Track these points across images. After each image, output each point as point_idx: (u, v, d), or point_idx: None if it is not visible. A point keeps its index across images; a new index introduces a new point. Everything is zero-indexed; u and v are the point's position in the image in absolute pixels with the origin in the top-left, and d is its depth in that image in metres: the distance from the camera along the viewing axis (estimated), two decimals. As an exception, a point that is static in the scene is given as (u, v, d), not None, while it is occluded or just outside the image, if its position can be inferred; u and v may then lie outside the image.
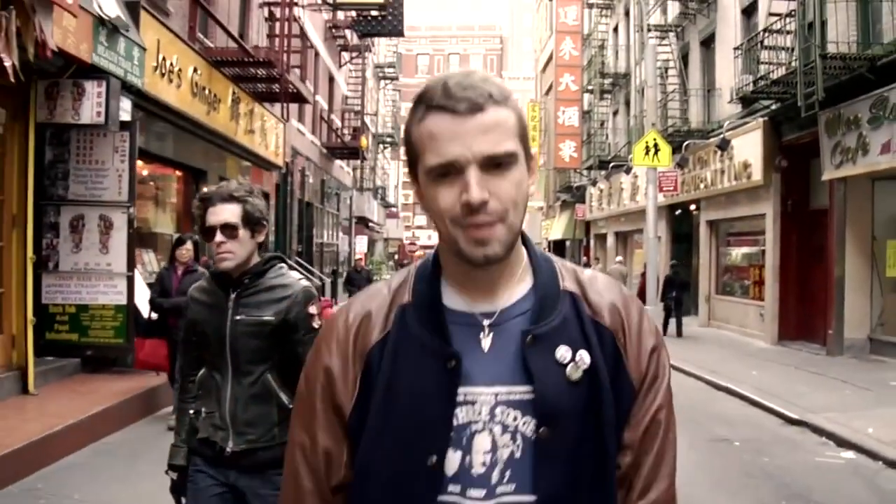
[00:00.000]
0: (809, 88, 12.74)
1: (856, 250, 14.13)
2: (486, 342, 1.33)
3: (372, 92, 36.02)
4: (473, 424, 1.30)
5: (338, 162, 29.96)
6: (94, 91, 7.66)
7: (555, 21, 35.31)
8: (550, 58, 39.14)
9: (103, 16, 7.40)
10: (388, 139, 44.55)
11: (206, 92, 12.26)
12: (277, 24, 15.73)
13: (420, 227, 72.08)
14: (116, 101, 7.87)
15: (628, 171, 24.33)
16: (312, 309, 3.14)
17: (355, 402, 1.34)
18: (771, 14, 14.87)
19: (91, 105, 7.67)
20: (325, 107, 27.34)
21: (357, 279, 20.98)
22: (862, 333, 14.02)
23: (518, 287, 1.38)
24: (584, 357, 1.31)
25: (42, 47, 6.07)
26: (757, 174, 16.73)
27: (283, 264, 3.23)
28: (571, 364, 1.31)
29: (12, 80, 5.76)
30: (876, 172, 12.95)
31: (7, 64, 5.63)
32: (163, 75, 10.33)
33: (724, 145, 17.37)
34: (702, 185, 20.05)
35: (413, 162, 1.37)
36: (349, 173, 34.19)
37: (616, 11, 30.76)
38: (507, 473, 1.29)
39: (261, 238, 3.14)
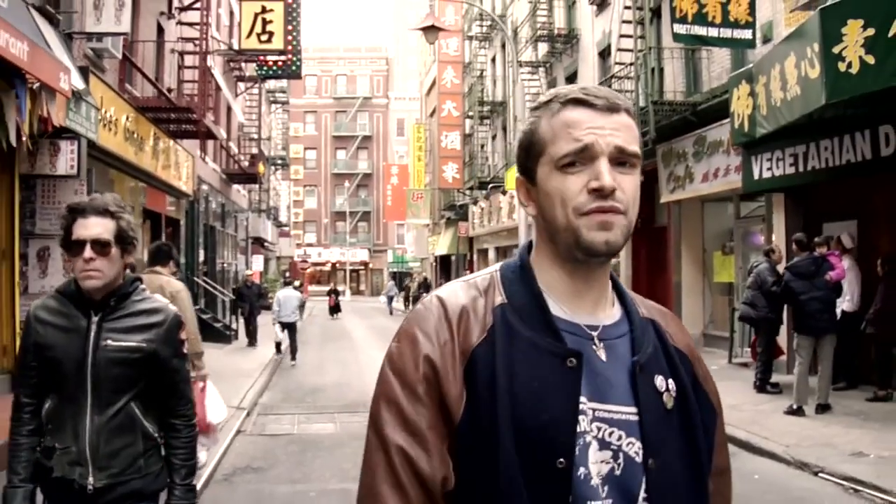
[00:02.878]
0: (645, 129, 15.47)
1: (690, 261, 17.00)
2: (601, 353, 1.31)
3: (264, 116, 37.65)
4: (584, 435, 1.26)
5: (235, 186, 31.58)
6: (68, 149, 9.52)
7: (437, 51, 37.86)
8: (434, 83, 41.63)
9: (76, 90, 9.25)
10: (280, 161, 46.17)
11: (135, 135, 14.02)
12: (188, 71, 17.61)
13: (310, 245, 73.31)
14: (84, 156, 9.73)
15: (504, 192, 26.93)
16: (182, 335, 3.03)
17: (465, 406, 1.27)
18: (616, 63, 17.62)
19: (66, 160, 9.52)
20: (224, 135, 29.02)
21: (247, 294, 21.36)
22: (697, 329, 16.81)
23: (612, 309, 1.38)
24: (673, 386, 1.33)
25: (46, 122, 7.96)
26: (612, 197, 19.47)
27: (144, 286, 3.07)
28: (666, 393, 1.31)
29: (28, 148, 7.65)
30: (702, 196, 15.79)
31: (24, 138, 7.52)
32: (104, 126, 12.12)
33: (583, 172, 20.07)
34: (568, 206, 22.75)
35: (535, 156, 1.37)
36: (245, 195, 35.77)
37: (493, 44, 33.48)
38: (607, 489, 1.26)
39: (130, 259, 2.96)
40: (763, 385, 11.12)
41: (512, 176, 21.41)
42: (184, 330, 3.04)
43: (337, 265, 72.34)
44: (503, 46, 31.34)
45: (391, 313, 40.41)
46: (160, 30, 17.73)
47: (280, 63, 23.87)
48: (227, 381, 11.72)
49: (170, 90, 17.48)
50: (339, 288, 50.33)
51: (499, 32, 28.00)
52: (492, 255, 34.02)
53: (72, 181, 10.48)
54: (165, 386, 2.96)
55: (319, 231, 75.16)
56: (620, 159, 1.31)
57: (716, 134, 14.29)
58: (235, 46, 23.32)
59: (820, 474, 7.75)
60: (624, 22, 16.32)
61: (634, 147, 1.33)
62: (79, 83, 9.59)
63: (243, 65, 29.13)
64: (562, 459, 1.23)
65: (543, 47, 25.10)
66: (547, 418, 1.24)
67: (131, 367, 2.85)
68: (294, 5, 23.15)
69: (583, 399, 1.27)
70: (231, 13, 26.89)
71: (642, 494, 1.27)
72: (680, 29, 12.52)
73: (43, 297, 3.12)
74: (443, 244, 43.70)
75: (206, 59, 16.14)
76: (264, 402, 12.53)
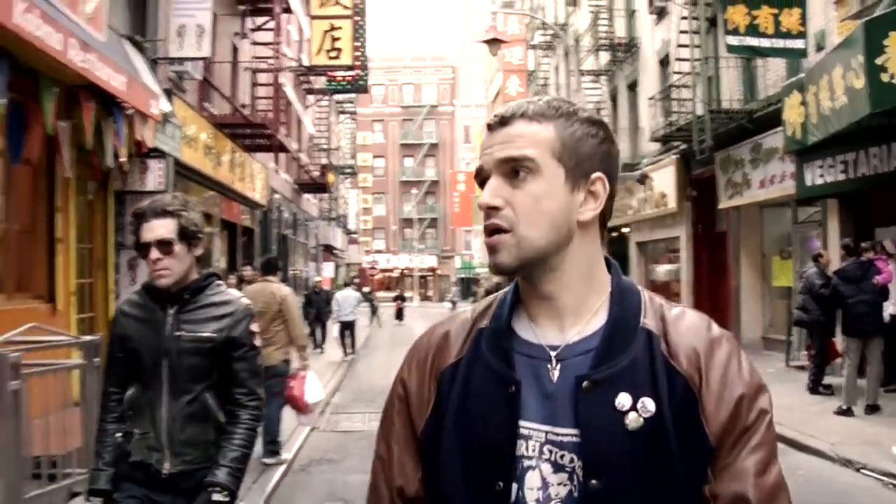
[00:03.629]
0: (702, 136, 15.80)
1: (749, 265, 17.24)
2: (553, 375, 1.29)
3: (332, 126, 38.72)
4: (526, 460, 1.27)
5: (306, 195, 32.60)
6: (156, 167, 10.41)
7: (501, 60, 38.43)
8: (499, 92, 42.23)
9: (164, 112, 10.12)
10: (348, 170, 47.25)
11: (213, 150, 14.93)
12: (261, 88, 18.59)
13: (378, 252, 74.37)
14: (171, 172, 10.61)
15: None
16: (254, 327, 3.14)
17: (427, 420, 1.36)
18: (675, 73, 17.96)
19: (154, 177, 10.41)
20: (295, 147, 30.04)
21: (315, 300, 22.34)
22: (756, 333, 17.05)
23: (593, 321, 1.32)
24: (647, 405, 1.24)
25: (140, 145, 8.82)
26: (672, 203, 19.82)
27: (220, 281, 3.19)
28: (632, 412, 1.23)
29: (125, 169, 8.51)
30: (759, 202, 16.05)
31: (122, 160, 8.38)
32: (186, 143, 13.01)
33: (642, 179, 20.48)
34: (630, 212, 23.10)
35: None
36: (315, 204, 36.81)
37: (556, 52, 33.90)
38: None
39: (198, 252, 3.08)
40: (815, 387, 11.41)
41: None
42: (255, 322, 3.17)
43: (405, 271, 73.29)
44: (566, 55, 31.74)
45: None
46: (234, 49, 18.71)
47: (348, 78, 24.87)
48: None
49: (244, 106, 18.43)
50: (407, 294, 51.16)
51: (561, 42, 28.46)
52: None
53: (155, 195, 11.37)
54: (233, 376, 3.07)
55: (388, 238, 76.26)
56: (513, 169, 1.28)
57: (771, 141, 14.56)
58: (304, 61, 24.45)
59: (862, 470, 8.10)
60: (681, 32, 16.68)
61: (524, 151, 1.28)
62: (165, 106, 10.45)
63: (312, 78, 30.15)
64: (500, 482, 1.26)
65: (605, 56, 25.43)
66: (489, 441, 1.28)
67: (204, 356, 2.99)
68: (361, 22, 24.04)
69: (531, 425, 1.28)
70: (300, 29, 27.89)
71: None
72: (733, 41, 12.89)
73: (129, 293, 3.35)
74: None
75: (278, 77, 17.04)
76: (336, 402, 13.27)
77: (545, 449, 1.27)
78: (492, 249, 1.29)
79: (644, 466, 1.23)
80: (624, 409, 1.24)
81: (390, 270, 73.62)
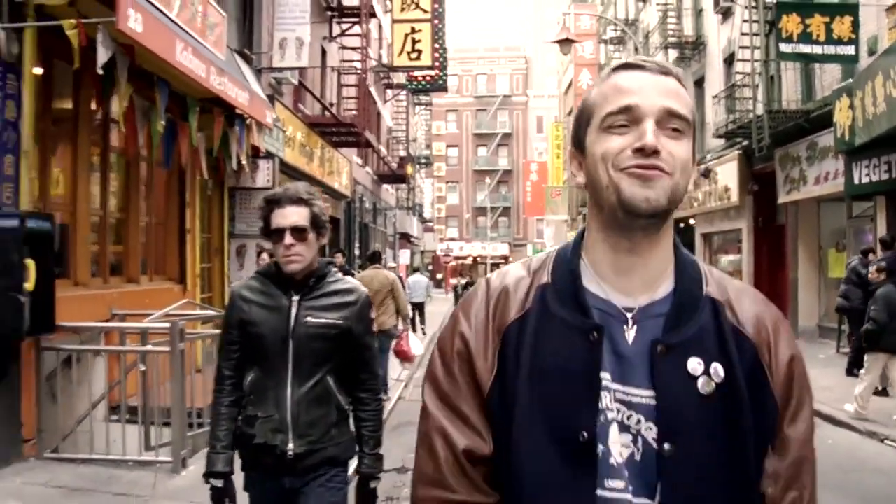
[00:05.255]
0: (761, 135, 16.71)
1: (806, 257, 18.10)
2: (629, 335, 1.29)
3: (409, 118, 40.13)
4: (609, 412, 1.26)
5: (385, 185, 34.16)
6: (265, 166, 11.99)
7: (574, 53, 39.27)
8: (570, 84, 43.09)
9: (272, 120, 11.65)
10: (423, 160, 48.66)
11: (306, 148, 16.48)
12: (347, 89, 20.15)
13: (452, 239, 75.62)
14: (277, 171, 12.17)
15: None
16: (372, 314, 3.21)
17: (494, 378, 1.32)
18: (737, 73, 18.84)
19: (263, 175, 12.00)
20: (375, 139, 31.60)
21: None
22: (812, 322, 17.90)
23: (661, 287, 1.33)
24: (718, 370, 1.25)
25: (256, 149, 10.37)
26: (734, 196, 20.68)
27: (337, 269, 3.25)
28: (704, 377, 1.25)
29: (247, 171, 10.09)
30: (814, 197, 16.91)
31: (244, 162, 9.95)
32: (287, 143, 14.56)
33: (706, 173, 21.37)
34: (695, 204, 23.96)
35: (585, 123, 1.35)
36: (393, 193, 38.34)
37: (627, 47, 34.64)
38: (626, 473, 1.25)
39: (324, 241, 3.15)
40: (851, 369, 12.34)
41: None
42: (373, 309, 3.34)
43: (478, 259, 74.49)
44: (636, 50, 32.54)
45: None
46: (322, 52, 20.26)
47: (429, 77, 26.41)
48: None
49: (332, 104, 19.99)
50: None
51: (631, 38, 29.31)
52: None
53: (263, 191, 12.93)
54: (356, 361, 3.16)
55: (461, 226, 77.58)
56: (670, 123, 1.27)
57: (825, 140, 15.39)
58: (384, 58, 26.03)
59: (885, 441, 9.17)
60: (742, 34, 17.55)
61: (684, 111, 1.29)
62: (273, 113, 11.97)
63: (392, 74, 31.65)
64: (584, 433, 1.24)
65: (673, 53, 26.20)
66: (569, 392, 1.25)
67: (328, 341, 3.05)
68: (440, 25, 25.42)
69: (606, 377, 1.26)
70: (380, 26, 29.33)
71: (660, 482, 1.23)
72: (786, 48, 13.84)
73: (243, 279, 3.56)
74: (579, 239, 44.59)
75: (365, 81, 18.52)
76: (418, 377, 14.70)
77: (615, 406, 1.27)
78: (647, 182, 1.25)
79: (715, 431, 1.24)
80: (696, 373, 1.25)
81: (464, 258, 74.78)
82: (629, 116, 1.27)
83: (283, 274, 3.07)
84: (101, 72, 6.27)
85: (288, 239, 2.98)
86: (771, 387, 1.29)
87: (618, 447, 1.25)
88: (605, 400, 1.26)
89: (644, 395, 1.26)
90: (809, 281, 18.04)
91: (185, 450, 6.66)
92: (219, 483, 3.09)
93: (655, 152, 1.24)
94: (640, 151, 1.24)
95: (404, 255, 39.48)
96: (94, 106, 7.92)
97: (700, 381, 1.24)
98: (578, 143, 1.36)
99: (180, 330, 6.55)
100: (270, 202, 3.06)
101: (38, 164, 6.97)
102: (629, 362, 1.27)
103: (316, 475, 3.07)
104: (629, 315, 1.30)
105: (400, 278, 24.93)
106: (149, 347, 6.89)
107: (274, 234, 3.02)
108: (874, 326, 9.57)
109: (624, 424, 1.26)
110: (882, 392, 10.98)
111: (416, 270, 27.04)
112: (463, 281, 45.19)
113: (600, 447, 1.25)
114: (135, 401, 7.08)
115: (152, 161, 9.28)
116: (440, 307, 35.42)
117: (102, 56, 6.18)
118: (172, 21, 7.42)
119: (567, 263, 1.36)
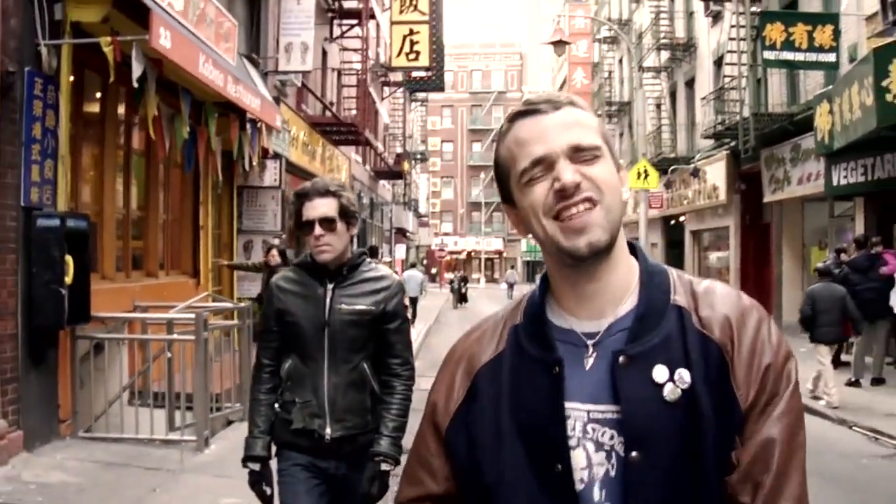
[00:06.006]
0: (746, 136, 17.35)
1: (790, 255, 18.79)
2: (588, 361, 1.31)
3: (406, 114, 40.64)
4: (570, 440, 1.29)
5: (381, 181, 34.73)
6: (272, 166, 12.61)
7: (568, 52, 39.84)
8: (564, 82, 43.70)
9: (280, 123, 12.26)
10: (419, 156, 49.16)
11: (308, 147, 17.07)
12: (347, 88, 20.73)
13: (447, 234, 76.01)
14: (284, 170, 12.79)
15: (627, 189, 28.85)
16: (406, 301, 3.30)
17: (454, 414, 1.41)
18: (725, 76, 19.48)
19: (271, 174, 12.63)
20: (373, 137, 32.14)
21: None
22: (795, 317, 18.39)
23: (626, 302, 1.34)
24: (683, 376, 1.26)
25: (265, 150, 11.01)
26: (722, 195, 21.34)
27: (370, 259, 3.34)
28: (669, 384, 1.26)
29: (257, 169, 10.72)
30: (797, 197, 17.58)
31: (255, 163, 10.59)
32: (292, 143, 15.16)
33: (695, 173, 22.04)
34: (685, 202, 24.63)
35: (505, 182, 1.38)
36: (389, 189, 38.88)
37: (621, 46, 35.26)
38: (604, 492, 1.27)
39: (354, 231, 3.21)
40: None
41: (633, 177, 23.51)
42: (406, 296, 3.35)
43: (472, 254, 75.07)
44: (629, 49, 33.18)
45: (510, 298, 42.67)
46: (324, 53, 20.83)
47: (426, 77, 27.01)
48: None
49: (332, 104, 20.57)
50: (474, 276, 52.62)
51: (624, 38, 29.93)
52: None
53: (269, 189, 13.55)
54: (388, 346, 3.23)
55: (455, 221, 78.15)
56: (581, 155, 1.28)
57: (808, 143, 16.02)
58: (382, 57, 26.63)
59: (853, 428, 9.83)
60: (730, 39, 18.19)
61: (591, 140, 1.30)
62: (280, 116, 12.58)
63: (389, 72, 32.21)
64: (558, 465, 1.27)
65: (665, 54, 26.83)
66: (539, 425, 1.30)
67: (363, 328, 3.14)
68: (437, 26, 26.01)
69: (575, 405, 1.30)
70: (378, 26, 29.90)
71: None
72: (769, 55, 14.48)
73: (283, 270, 3.77)
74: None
75: (365, 82, 19.12)
76: (416, 366, 15.33)
77: (588, 428, 1.29)
78: (581, 230, 1.27)
79: (682, 436, 1.24)
80: (661, 381, 1.26)
81: (458, 253, 75.24)
82: (542, 167, 1.29)
83: (317, 264, 3.16)
84: (136, 85, 6.86)
85: (317, 230, 3.06)
86: (734, 385, 1.26)
87: (594, 469, 1.29)
88: (578, 426, 1.30)
89: (612, 410, 1.28)
90: (793, 277, 18.71)
91: (206, 430, 7.26)
92: (256, 466, 3.18)
93: (577, 187, 1.26)
94: (561, 193, 1.26)
95: (400, 250, 40.02)
96: (119, 111, 8.53)
97: (666, 389, 1.25)
98: (507, 199, 1.40)
99: (204, 320, 7.16)
100: (300, 196, 3.16)
101: (71, 166, 7.56)
102: (597, 383, 1.29)
103: (360, 461, 3.13)
104: (590, 341, 1.32)
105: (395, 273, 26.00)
106: (175, 336, 7.49)
107: (305, 227, 3.11)
108: (799, 318, 11.03)
109: (599, 442, 1.28)
110: (855, 383, 11.65)
111: (412, 266, 27.66)
112: (458, 275, 45.62)
113: (579, 475, 1.28)
114: (156, 387, 7.67)
115: (170, 162, 9.89)
116: (434, 301, 36.13)
117: (137, 70, 6.77)
118: (193, 34, 8.02)
119: (535, 303, 1.40)
